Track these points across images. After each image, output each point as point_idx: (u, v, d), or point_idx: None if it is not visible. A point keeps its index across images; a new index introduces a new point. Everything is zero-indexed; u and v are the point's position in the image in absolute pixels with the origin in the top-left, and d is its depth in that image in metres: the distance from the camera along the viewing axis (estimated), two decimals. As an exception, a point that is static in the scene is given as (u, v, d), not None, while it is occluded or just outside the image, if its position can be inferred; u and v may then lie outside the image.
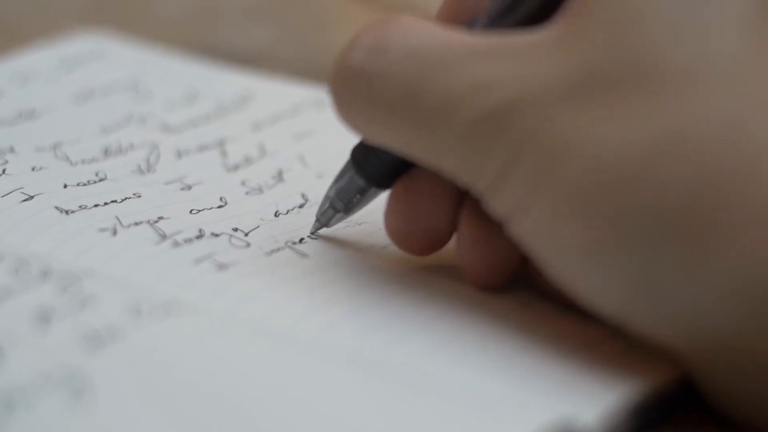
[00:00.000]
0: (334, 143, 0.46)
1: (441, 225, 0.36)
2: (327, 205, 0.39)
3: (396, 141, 0.35)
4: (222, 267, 0.37)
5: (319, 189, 0.42)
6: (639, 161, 0.30)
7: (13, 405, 0.31)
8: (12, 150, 0.45)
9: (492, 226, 0.35)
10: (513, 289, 0.36)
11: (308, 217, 0.40)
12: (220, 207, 0.41)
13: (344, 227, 0.40)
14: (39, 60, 0.53)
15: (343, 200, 0.38)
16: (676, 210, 0.30)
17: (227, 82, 0.52)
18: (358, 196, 0.38)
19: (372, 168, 0.37)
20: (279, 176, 0.44)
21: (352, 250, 0.39)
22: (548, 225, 0.32)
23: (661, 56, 0.31)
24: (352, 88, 0.35)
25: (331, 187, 0.38)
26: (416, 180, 0.36)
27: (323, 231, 0.39)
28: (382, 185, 0.37)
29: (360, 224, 0.40)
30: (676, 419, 0.33)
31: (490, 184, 0.33)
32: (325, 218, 0.39)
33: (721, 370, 0.31)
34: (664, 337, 0.32)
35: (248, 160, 0.45)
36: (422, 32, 0.34)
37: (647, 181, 0.30)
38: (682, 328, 0.31)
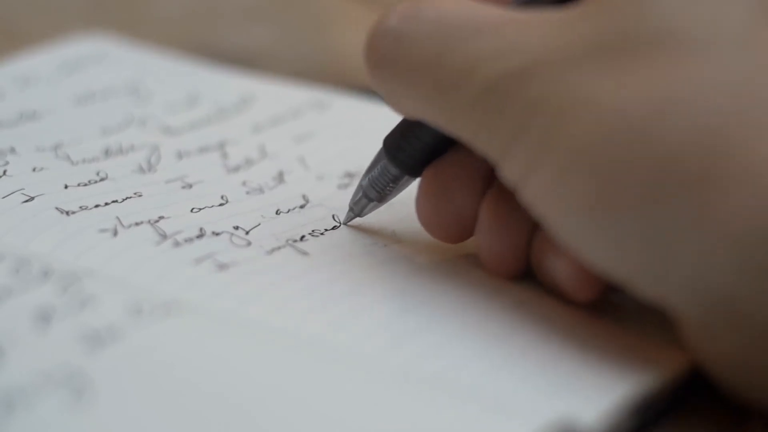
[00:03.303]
0: (335, 145, 0.46)
1: (471, 211, 0.37)
2: (360, 194, 0.39)
3: (418, 104, 0.35)
4: (222, 267, 0.37)
5: (319, 190, 0.43)
6: (646, 118, 0.31)
7: (13, 405, 0.31)
8: (13, 151, 0.45)
9: (511, 212, 0.36)
10: (515, 287, 0.36)
11: (309, 215, 0.41)
12: (221, 205, 0.41)
13: (344, 227, 0.40)
14: (40, 63, 0.53)
15: (376, 189, 0.39)
16: (680, 165, 0.31)
17: (228, 85, 0.52)
18: (392, 185, 0.39)
19: (405, 156, 0.38)
20: (280, 177, 0.44)
21: (353, 248, 0.39)
22: (556, 184, 0.32)
23: (675, 22, 0.32)
24: (382, 48, 0.36)
25: (363, 177, 0.39)
26: (446, 166, 0.37)
27: (356, 221, 0.40)
28: (415, 173, 0.38)
29: (361, 223, 0.40)
30: (679, 416, 0.33)
31: (502, 148, 0.34)
32: (358, 207, 0.40)
33: (724, 336, 0.31)
34: (667, 296, 0.32)
35: (249, 162, 0.45)
36: (454, 4, 0.35)
37: (653, 138, 0.31)
38: (685, 286, 0.31)
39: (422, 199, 0.37)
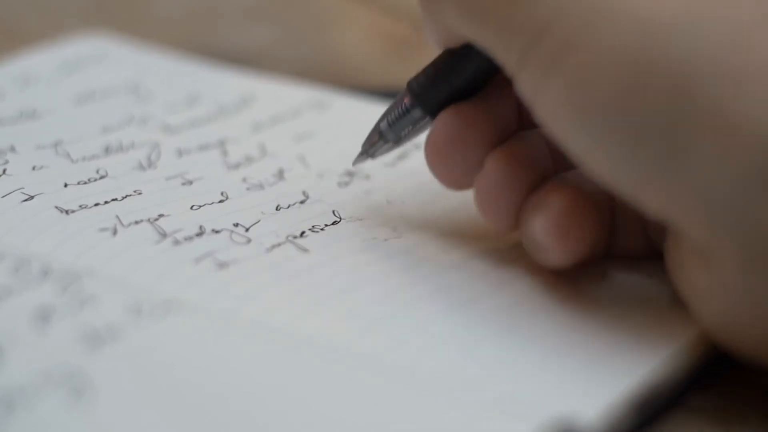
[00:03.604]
0: (335, 145, 0.46)
1: (479, 156, 0.37)
2: (377, 136, 0.40)
3: (456, 13, 0.36)
4: (222, 265, 0.37)
5: (320, 187, 0.43)
6: (674, 20, 0.32)
7: (13, 404, 0.31)
8: (13, 149, 0.45)
9: (515, 167, 0.36)
10: (516, 283, 0.37)
11: (309, 211, 0.41)
12: (221, 202, 0.41)
13: (345, 222, 0.40)
14: (40, 63, 0.53)
15: (394, 131, 0.39)
16: (708, 62, 0.31)
17: (228, 84, 0.52)
18: (410, 128, 0.39)
19: (431, 98, 0.38)
20: (280, 175, 0.44)
21: (353, 244, 0.39)
22: (573, 89, 0.33)
23: None
24: None
25: (381, 120, 0.39)
26: (464, 110, 0.37)
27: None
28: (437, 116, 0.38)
29: (361, 219, 0.40)
30: (679, 414, 0.33)
31: (519, 59, 0.34)
32: (373, 149, 0.40)
33: (733, 265, 0.31)
34: (674, 207, 0.32)
35: (249, 160, 0.45)
36: None
37: (680, 37, 0.31)
38: (697, 201, 0.31)
39: (434, 139, 0.38)
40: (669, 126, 0.31)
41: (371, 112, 0.48)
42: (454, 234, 0.39)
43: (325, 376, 0.32)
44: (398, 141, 0.39)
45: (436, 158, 0.38)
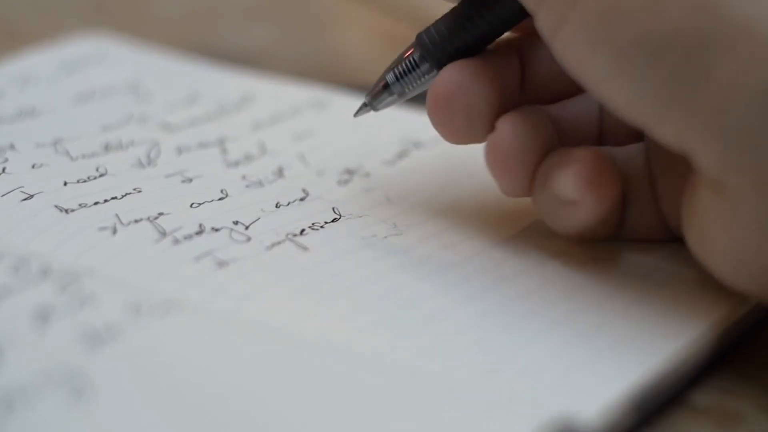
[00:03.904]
0: (334, 143, 0.46)
1: (482, 108, 0.37)
2: (380, 87, 0.39)
3: None
4: (222, 264, 0.37)
5: (319, 185, 0.42)
6: None
7: (12, 404, 0.31)
8: (12, 147, 0.45)
9: (531, 126, 0.37)
10: (517, 279, 0.37)
11: (309, 208, 0.41)
12: (220, 199, 0.41)
13: (345, 220, 0.40)
14: (40, 62, 0.53)
15: (400, 83, 0.39)
16: None
17: (227, 84, 0.52)
18: (418, 81, 0.39)
19: (439, 52, 0.38)
20: (279, 172, 0.44)
21: (353, 241, 0.39)
22: (597, 14, 0.33)
23: None
24: None
25: (386, 72, 0.39)
26: (470, 63, 0.37)
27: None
28: None
29: (361, 216, 0.40)
30: (679, 413, 0.33)
31: None
32: (378, 102, 0.40)
33: (747, 190, 0.32)
34: (694, 141, 0.32)
35: (248, 158, 0.45)
36: None
37: None
38: (712, 124, 0.32)
39: (437, 90, 0.38)
40: (689, 43, 0.32)
41: (370, 112, 0.48)
42: (454, 231, 0.39)
43: (325, 376, 0.32)
44: (403, 94, 0.39)
45: (438, 110, 0.38)
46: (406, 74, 0.39)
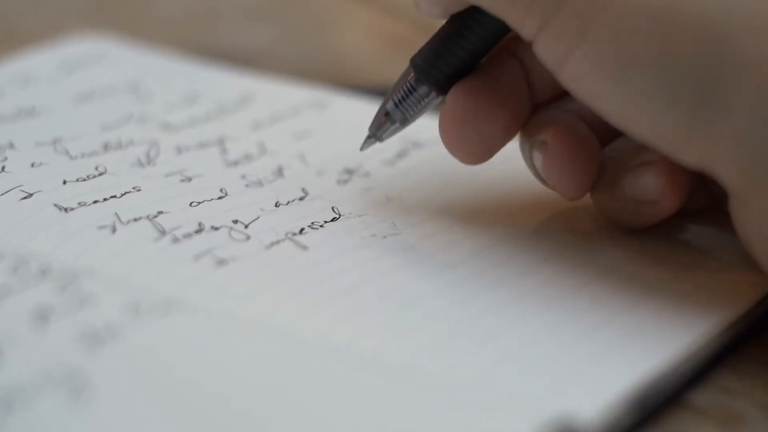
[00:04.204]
0: (334, 143, 0.46)
1: (496, 129, 0.38)
2: (383, 117, 0.39)
3: None
4: (221, 262, 0.37)
5: (319, 184, 0.42)
6: None
7: (12, 404, 0.30)
8: (12, 146, 0.45)
9: (577, 132, 0.37)
10: (517, 279, 0.37)
11: (309, 207, 0.41)
12: (220, 198, 0.41)
13: (345, 219, 0.40)
14: (40, 63, 0.53)
15: (401, 110, 0.39)
16: (745, 14, 0.32)
17: (227, 84, 0.52)
18: (417, 106, 0.39)
19: (436, 72, 0.38)
20: (279, 172, 0.44)
21: (353, 241, 0.39)
22: (610, 46, 0.33)
23: None
24: None
25: (386, 100, 0.39)
26: (476, 83, 0.38)
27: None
28: (444, 90, 0.38)
29: (360, 216, 0.40)
30: (679, 412, 0.33)
31: (541, 21, 0.34)
32: (381, 131, 0.40)
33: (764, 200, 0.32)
34: (717, 163, 0.33)
35: (248, 157, 0.45)
36: None
37: None
38: (735, 148, 0.32)
39: (448, 115, 0.38)
40: (706, 77, 0.32)
41: (370, 111, 0.48)
42: (453, 231, 0.39)
43: (324, 376, 0.32)
44: (405, 121, 0.39)
45: (451, 137, 0.38)
46: (405, 100, 0.39)
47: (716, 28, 0.32)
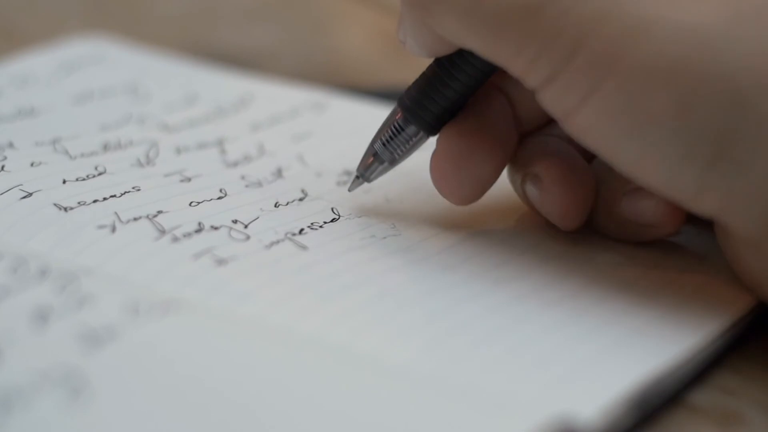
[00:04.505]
0: (333, 145, 0.46)
1: (488, 170, 0.37)
2: (371, 158, 0.39)
3: (455, 20, 0.34)
4: (221, 262, 0.37)
5: (318, 185, 0.42)
6: (722, 30, 0.32)
7: (11, 404, 0.30)
8: (11, 145, 0.44)
9: (573, 168, 0.37)
10: (517, 280, 0.36)
11: (308, 208, 0.41)
12: (219, 198, 0.41)
13: (344, 220, 0.40)
14: (39, 63, 0.53)
15: (389, 150, 0.39)
16: (760, 74, 0.31)
17: (226, 85, 0.52)
18: (405, 145, 0.39)
19: (424, 113, 0.38)
20: (278, 173, 0.44)
21: (352, 241, 0.39)
22: (624, 102, 0.33)
23: None
24: None
25: (374, 141, 0.39)
26: (467, 127, 0.37)
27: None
28: (433, 131, 0.38)
29: (360, 217, 0.40)
30: (678, 411, 0.33)
31: (550, 74, 0.33)
32: (369, 172, 0.40)
33: None
34: (731, 216, 0.33)
35: (247, 159, 0.45)
36: None
37: (731, 48, 0.32)
38: (751, 203, 0.32)
39: (440, 159, 0.38)
40: (723, 133, 0.32)
41: (369, 112, 0.48)
42: (452, 232, 0.39)
43: (324, 375, 0.32)
44: (394, 161, 0.39)
45: (443, 180, 0.38)
46: (392, 139, 0.38)
47: (734, 86, 0.32)
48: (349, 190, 0.40)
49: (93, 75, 0.53)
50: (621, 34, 0.32)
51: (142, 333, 0.33)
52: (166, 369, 0.32)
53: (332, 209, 0.41)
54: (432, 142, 0.39)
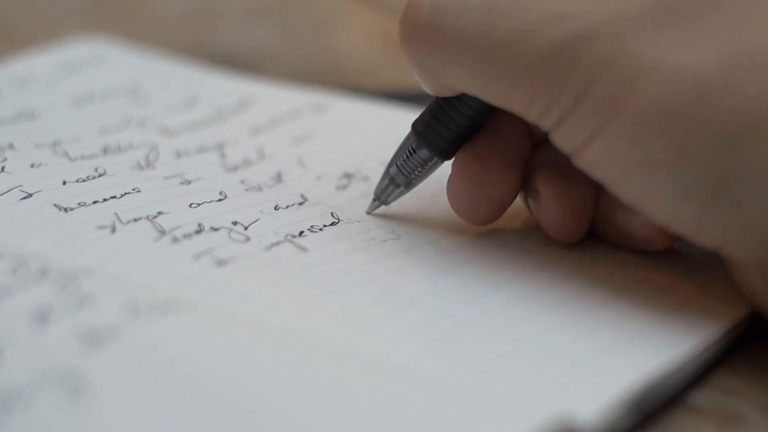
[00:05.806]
0: (333, 147, 0.46)
1: (505, 191, 0.38)
2: (387, 181, 0.40)
3: (464, 77, 0.35)
4: (221, 263, 0.37)
5: (318, 190, 0.42)
6: (718, 75, 0.32)
7: (11, 404, 0.30)
8: (11, 147, 0.44)
9: (571, 181, 0.37)
10: (515, 282, 0.36)
11: (308, 212, 0.41)
12: (219, 200, 0.41)
13: (344, 223, 0.40)
14: (39, 64, 0.53)
15: (404, 174, 0.39)
16: (755, 117, 0.32)
17: (226, 87, 0.52)
18: (420, 170, 0.39)
19: (437, 139, 0.38)
20: (278, 177, 0.44)
21: (352, 244, 0.39)
22: (625, 145, 0.33)
23: None
24: (422, 21, 0.36)
25: (390, 164, 0.39)
26: (481, 150, 0.37)
27: (380, 210, 0.40)
28: (447, 156, 0.38)
29: (360, 221, 0.40)
30: (678, 411, 0.33)
31: (561, 115, 0.34)
32: (385, 195, 0.40)
33: None
34: (728, 243, 0.33)
35: (247, 162, 0.45)
36: None
37: (727, 93, 0.32)
38: (751, 232, 0.33)
39: (457, 183, 0.38)
40: (721, 174, 0.32)
41: (369, 114, 0.48)
42: (452, 235, 0.39)
43: (324, 375, 0.32)
44: (409, 184, 0.39)
45: (460, 203, 0.38)
46: (407, 164, 0.39)
47: (730, 129, 0.32)
48: (367, 213, 0.41)
49: (93, 76, 0.53)
50: (623, 78, 0.33)
51: (142, 333, 0.33)
52: (166, 369, 0.32)
53: (332, 213, 0.41)
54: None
